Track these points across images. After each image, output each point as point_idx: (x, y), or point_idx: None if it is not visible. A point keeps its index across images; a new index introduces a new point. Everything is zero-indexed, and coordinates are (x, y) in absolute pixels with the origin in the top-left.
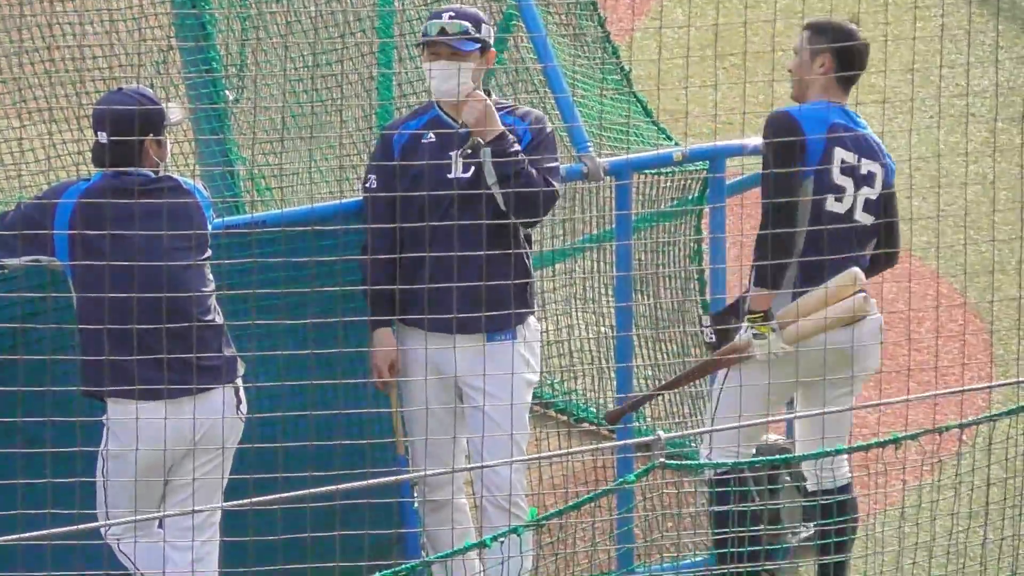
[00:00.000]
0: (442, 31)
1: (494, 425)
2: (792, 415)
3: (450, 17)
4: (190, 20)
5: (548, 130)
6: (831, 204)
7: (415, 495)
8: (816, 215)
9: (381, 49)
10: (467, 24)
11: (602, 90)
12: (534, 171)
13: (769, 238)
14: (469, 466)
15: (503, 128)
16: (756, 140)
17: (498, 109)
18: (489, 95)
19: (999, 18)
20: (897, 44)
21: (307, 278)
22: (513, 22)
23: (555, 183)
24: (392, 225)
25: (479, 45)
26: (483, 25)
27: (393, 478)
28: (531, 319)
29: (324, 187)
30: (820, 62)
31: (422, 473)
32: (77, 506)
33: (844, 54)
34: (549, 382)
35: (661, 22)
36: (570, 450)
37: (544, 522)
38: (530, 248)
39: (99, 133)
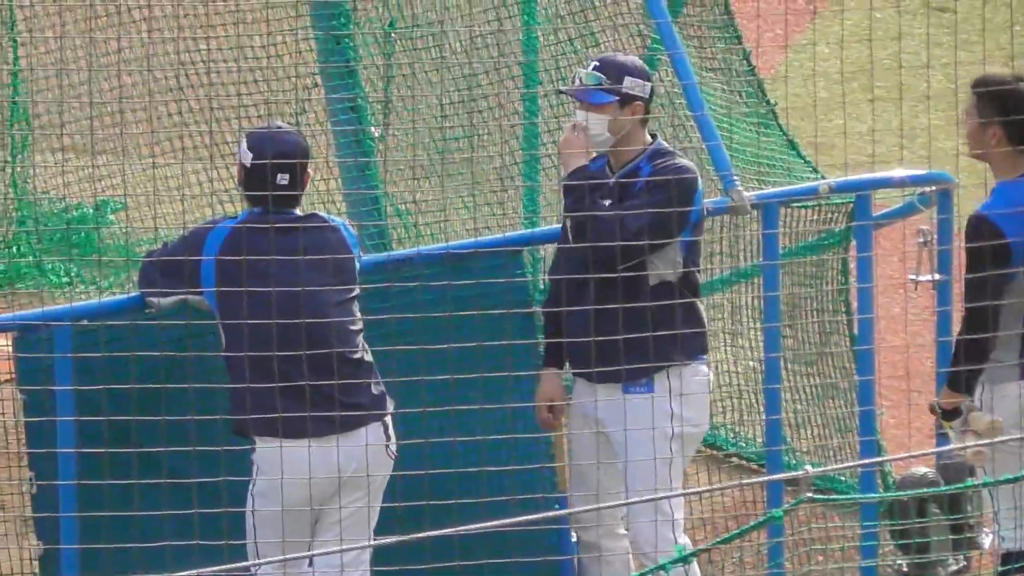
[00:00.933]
0: (579, 81)
1: (633, 478)
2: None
3: (593, 68)
4: (334, 57)
5: (672, 178)
6: None
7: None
8: None
9: (526, 87)
10: (602, 76)
11: (741, 121)
12: (617, 219)
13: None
14: (599, 505)
15: (581, 163)
16: (903, 172)
17: (656, 154)
18: (655, 138)
19: None
20: None
21: (453, 312)
22: (657, 56)
23: (639, 232)
24: (555, 276)
25: (616, 97)
26: (627, 77)
27: (534, 516)
28: (684, 368)
29: (469, 222)
30: (992, 132)
31: (565, 512)
32: (226, 544)
33: (1016, 123)
34: None
35: (813, 52)
36: (719, 485)
37: (692, 557)
38: (694, 296)
39: (279, 176)
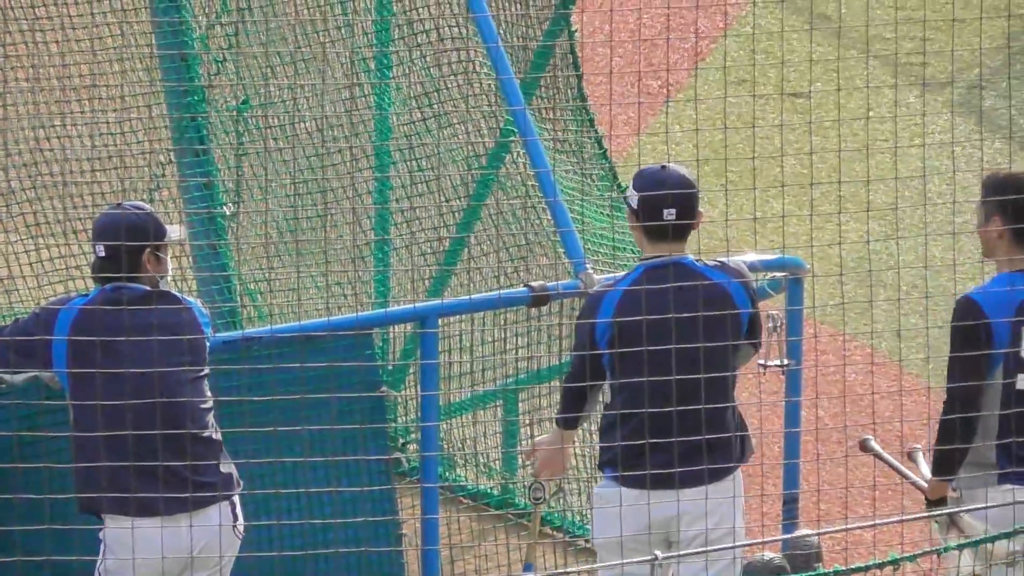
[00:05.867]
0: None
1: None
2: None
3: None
4: (190, 133)
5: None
6: (1022, 383)
7: None
8: (1007, 396)
9: (379, 168)
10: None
11: (593, 204)
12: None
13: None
14: None
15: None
16: (754, 256)
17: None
18: None
19: None
20: None
21: (302, 393)
22: (510, 140)
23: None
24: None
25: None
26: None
27: None
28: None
29: (319, 301)
30: (994, 224)
31: None
32: None
33: (1019, 214)
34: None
35: (667, 134)
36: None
37: None
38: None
39: (97, 246)
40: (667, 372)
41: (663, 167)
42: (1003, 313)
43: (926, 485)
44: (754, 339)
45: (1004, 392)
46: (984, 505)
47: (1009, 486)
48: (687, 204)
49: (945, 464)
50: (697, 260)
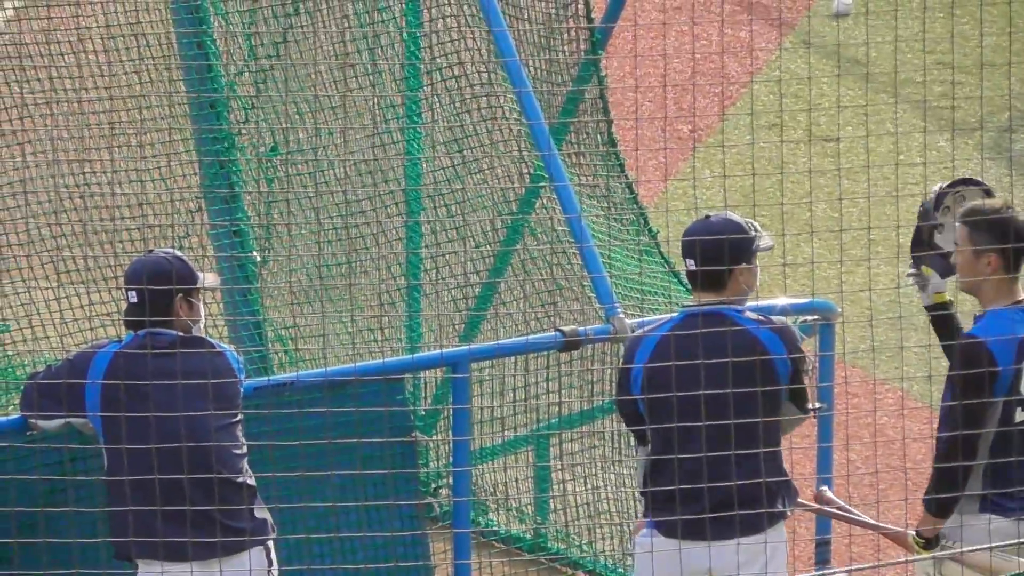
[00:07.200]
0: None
1: None
2: None
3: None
4: (219, 180)
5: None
6: (1020, 416)
7: None
8: (1004, 424)
9: (408, 214)
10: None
11: (623, 249)
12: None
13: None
14: None
15: None
16: (785, 300)
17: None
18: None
19: None
20: None
21: (333, 438)
22: (540, 186)
23: None
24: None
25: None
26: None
27: None
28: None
29: (349, 347)
30: (986, 261)
31: None
32: None
33: (1011, 250)
34: (577, 543)
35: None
36: None
37: None
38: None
39: (129, 293)
40: (697, 420)
41: (707, 217)
42: (1008, 357)
43: (899, 530)
44: (796, 397)
45: (1002, 421)
46: (988, 545)
47: (987, 515)
48: (711, 254)
49: (945, 507)
50: (740, 311)
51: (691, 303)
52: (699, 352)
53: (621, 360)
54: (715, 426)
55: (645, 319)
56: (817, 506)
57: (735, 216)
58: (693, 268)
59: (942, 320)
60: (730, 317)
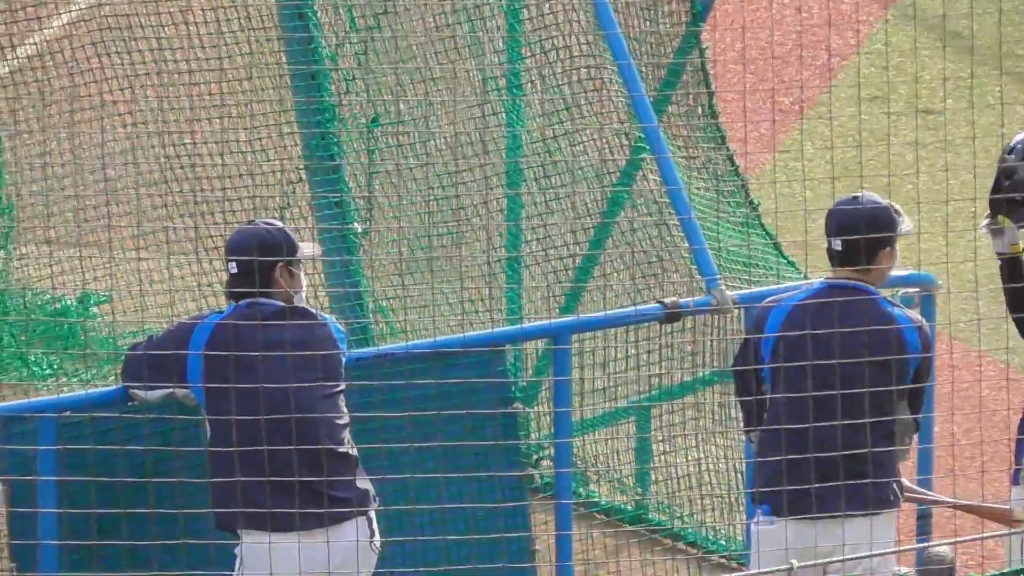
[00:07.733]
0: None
1: None
2: None
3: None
4: (320, 152)
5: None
6: None
7: None
8: None
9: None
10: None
11: (726, 221)
12: None
13: None
14: None
15: None
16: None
17: None
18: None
19: None
20: None
21: (435, 409)
22: (641, 158)
23: None
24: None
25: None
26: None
27: None
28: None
29: (452, 318)
30: None
31: None
32: None
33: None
34: (679, 515)
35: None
36: None
37: None
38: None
39: (230, 264)
40: (826, 391)
41: (854, 197)
42: None
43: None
44: (914, 398)
45: None
46: None
47: None
48: (850, 233)
49: None
50: (879, 293)
51: (830, 276)
52: (834, 323)
53: (750, 328)
54: (849, 398)
55: (744, 292)
56: (922, 491)
57: (879, 198)
58: (839, 246)
59: (1015, 270)
60: (870, 294)
